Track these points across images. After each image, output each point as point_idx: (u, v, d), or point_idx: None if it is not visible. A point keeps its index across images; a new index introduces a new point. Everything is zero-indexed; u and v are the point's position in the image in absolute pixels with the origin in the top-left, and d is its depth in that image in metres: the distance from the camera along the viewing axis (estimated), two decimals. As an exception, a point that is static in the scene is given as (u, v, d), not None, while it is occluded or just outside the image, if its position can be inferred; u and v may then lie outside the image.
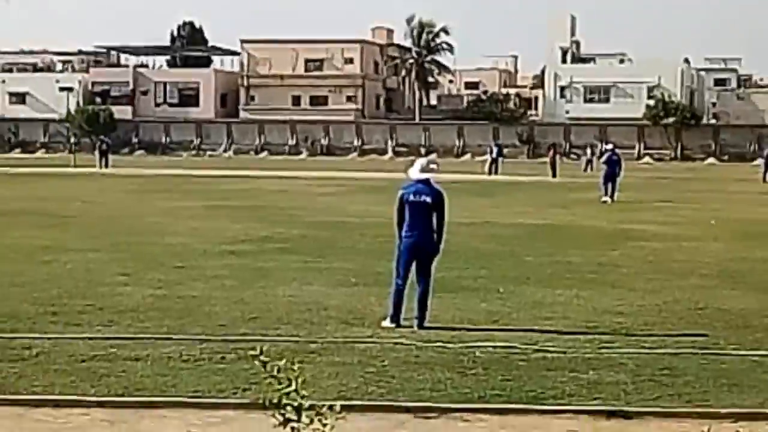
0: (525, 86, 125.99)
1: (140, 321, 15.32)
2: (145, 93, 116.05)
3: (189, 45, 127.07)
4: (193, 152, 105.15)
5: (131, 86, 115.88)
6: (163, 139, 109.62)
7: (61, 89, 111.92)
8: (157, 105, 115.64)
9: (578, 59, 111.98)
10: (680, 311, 16.73)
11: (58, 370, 12.11)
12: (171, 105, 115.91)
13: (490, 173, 68.39)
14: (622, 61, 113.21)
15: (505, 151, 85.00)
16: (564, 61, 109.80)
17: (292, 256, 23.52)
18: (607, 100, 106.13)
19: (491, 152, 76.99)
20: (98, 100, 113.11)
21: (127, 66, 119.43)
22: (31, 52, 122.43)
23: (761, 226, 31.35)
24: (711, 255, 23.82)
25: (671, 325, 15.56)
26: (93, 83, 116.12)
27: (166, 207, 37.76)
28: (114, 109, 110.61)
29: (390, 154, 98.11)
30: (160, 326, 14.93)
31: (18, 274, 19.70)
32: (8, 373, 11.90)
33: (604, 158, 47.71)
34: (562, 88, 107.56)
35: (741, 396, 11.11)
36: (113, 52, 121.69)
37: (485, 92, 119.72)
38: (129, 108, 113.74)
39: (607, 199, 43.09)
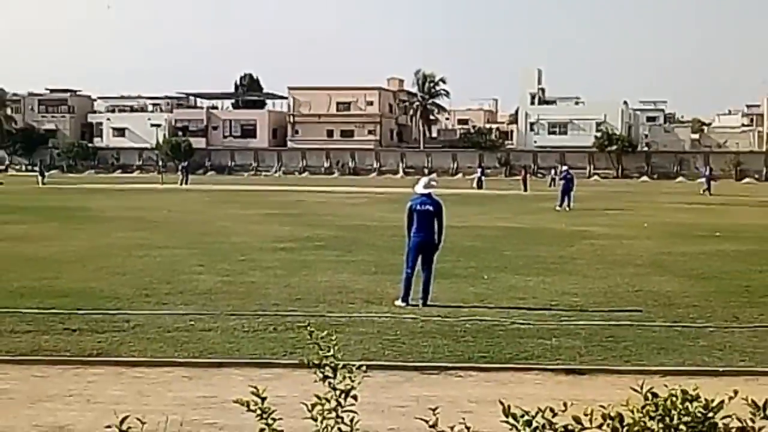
0: (503, 122, 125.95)
1: (211, 301, 15.24)
2: (215, 128, 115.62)
3: (248, 91, 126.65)
4: (252, 173, 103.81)
5: (205, 123, 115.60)
6: (229, 163, 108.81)
7: (152, 125, 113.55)
8: (225, 137, 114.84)
9: (543, 102, 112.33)
10: (621, 292, 16.65)
11: (149, 338, 12.15)
12: (235, 137, 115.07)
13: (477, 188, 67.84)
14: (576, 103, 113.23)
15: (488, 171, 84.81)
16: (533, 103, 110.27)
17: (327, 251, 23.35)
18: (565, 133, 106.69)
19: (478, 173, 77.09)
20: (180, 133, 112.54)
21: (201, 108, 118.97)
22: (129, 97, 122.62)
23: (681, 228, 31.25)
24: (644, 250, 23.72)
25: (614, 303, 15.45)
26: (176, 120, 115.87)
27: (231, 214, 37.63)
28: (192, 140, 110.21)
29: (401, 174, 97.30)
30: (227, 305, 14.84)
31: (119, 266, 19.59)
32: (112, 340, 11.93)
33: (561, 176, 47.86)
34: (531, 124, 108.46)
35: (667, 357, 11.20)
36: (191, 97, 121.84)
37: (473, 127, 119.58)
38: (203, 139, 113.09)
39: (560, 209, 43.07)
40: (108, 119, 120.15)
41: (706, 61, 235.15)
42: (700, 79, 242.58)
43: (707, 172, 68.66)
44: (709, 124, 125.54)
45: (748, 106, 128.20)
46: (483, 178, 75.40)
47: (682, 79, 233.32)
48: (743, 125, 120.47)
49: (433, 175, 65.72)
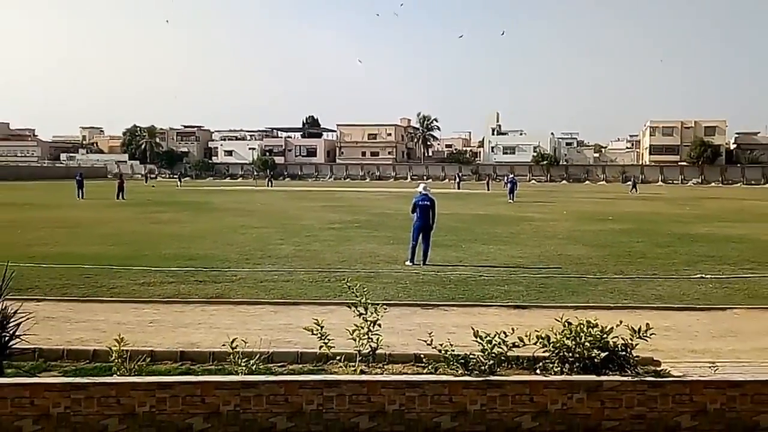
0: (474, 146, 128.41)
1: (288, 262, 15.21)
2: (290, 150, 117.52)
3: (311, 126, 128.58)
4: (314, 179, 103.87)
5: (283, 147, 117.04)
6: (299, 173, 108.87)
7: (249, 148, 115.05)
8: (296, 156, 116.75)
9: (499, 133, 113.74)
10: (549, 256, 16.55)
11: (249, 287, 12.16)
12: (302, 156, 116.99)
13: (457, 189, 67.38)
14: (521, 134, 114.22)
15: (464, 177, 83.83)
16: (493, 133, 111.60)
17: (361, 230, 23.24)
18: (513, 153, 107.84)
19: (458, 178, 76.29)
20: (267, 153, 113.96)
21: (281, 137, 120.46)
22: (234, 130, 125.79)
23: (587, 214, 31.02)
24: (563, 228, 23.57)
25: (544, 263, 15.36)
26: (265, 145, 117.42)
27: (300, 206, 37.48)
28: (275, 158, 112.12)
29: (409, 179, 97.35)
30: (298, 265, 14.79)
31: (229, 240, 19.63)
32: (225, 288, 11.99)
33: (509, 181, 48.48)
34: (492, 147, 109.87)
35: (577, 298, 11.12)
36: (274, 130, 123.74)
37: (455, 149, 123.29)
38: (282, 158, 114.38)
39: (510, 202, 43.41)
40: (221, 144, 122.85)
41: (603, 104, 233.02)
42: (600, 117, 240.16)
43: (632, 180, 68.78)
44: (606, 147, 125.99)
45: (631, 136, 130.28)
46: (461, 182, 74.55)
47: (588, 116, 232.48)
48: (627, 148, 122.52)
49: (429, 181, 66.37)
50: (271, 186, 73.57)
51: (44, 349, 6.33)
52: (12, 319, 6.13)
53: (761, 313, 9.95)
